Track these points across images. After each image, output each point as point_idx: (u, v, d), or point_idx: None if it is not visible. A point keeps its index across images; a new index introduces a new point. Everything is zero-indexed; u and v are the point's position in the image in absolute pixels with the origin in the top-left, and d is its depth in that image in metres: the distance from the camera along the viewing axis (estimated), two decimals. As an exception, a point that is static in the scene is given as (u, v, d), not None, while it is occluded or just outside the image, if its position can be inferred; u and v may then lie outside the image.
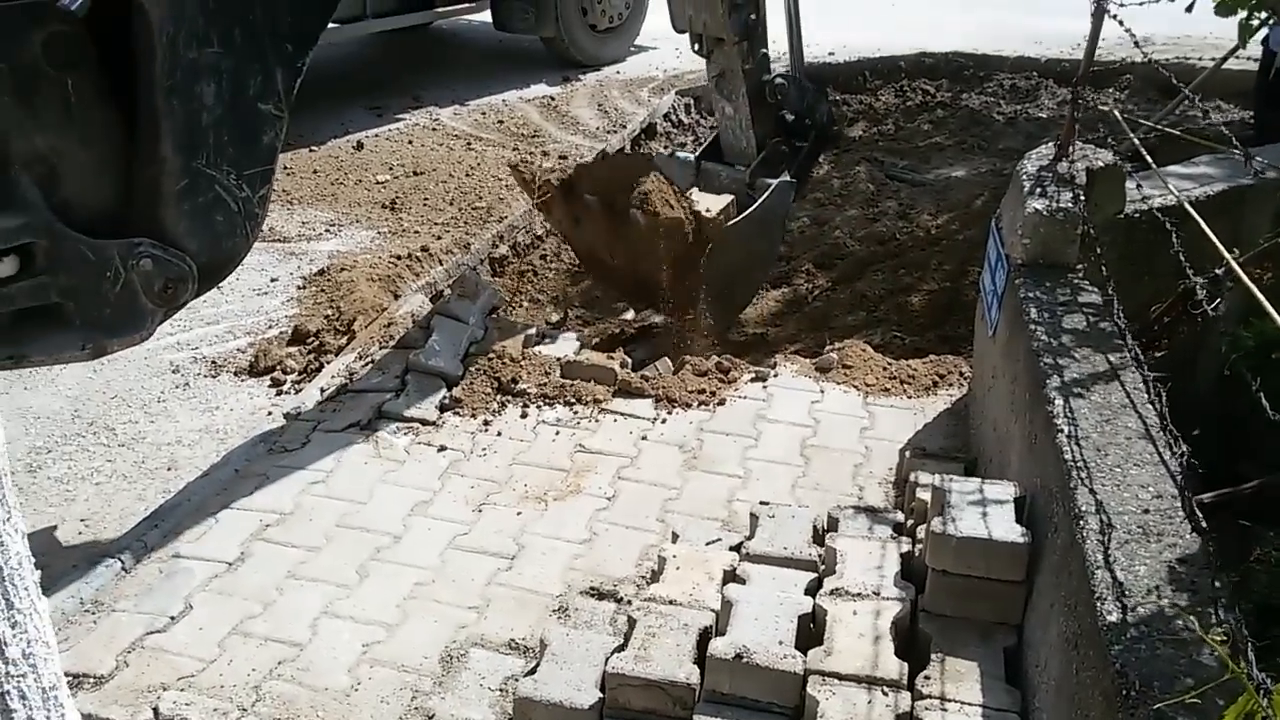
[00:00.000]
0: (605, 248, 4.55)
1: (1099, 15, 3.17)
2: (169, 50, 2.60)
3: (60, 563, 3.19)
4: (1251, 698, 1.43)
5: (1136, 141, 3.08)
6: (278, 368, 4.24)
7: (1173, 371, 2.75)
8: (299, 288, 4.94)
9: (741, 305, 5.14)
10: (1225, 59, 6.04)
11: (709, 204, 4.45)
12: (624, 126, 7.39)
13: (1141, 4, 3.37)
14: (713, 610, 2.61)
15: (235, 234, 2.89)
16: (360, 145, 6.78)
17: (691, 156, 4.86)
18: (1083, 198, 3.19)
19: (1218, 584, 1.90)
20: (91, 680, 2.69)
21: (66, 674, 2.65)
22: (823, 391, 4.04)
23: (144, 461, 3.74)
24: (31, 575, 1.86)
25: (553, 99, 7.91)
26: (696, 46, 4.67)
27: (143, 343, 2.97)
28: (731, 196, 4.56)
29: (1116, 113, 3.43)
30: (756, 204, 4.46)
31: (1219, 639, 1.56)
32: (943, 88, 8.85)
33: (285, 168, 6.41)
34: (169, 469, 3.71)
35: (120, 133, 2.70)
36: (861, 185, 7.02)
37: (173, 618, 2.91)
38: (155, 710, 2.60)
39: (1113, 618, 1.87)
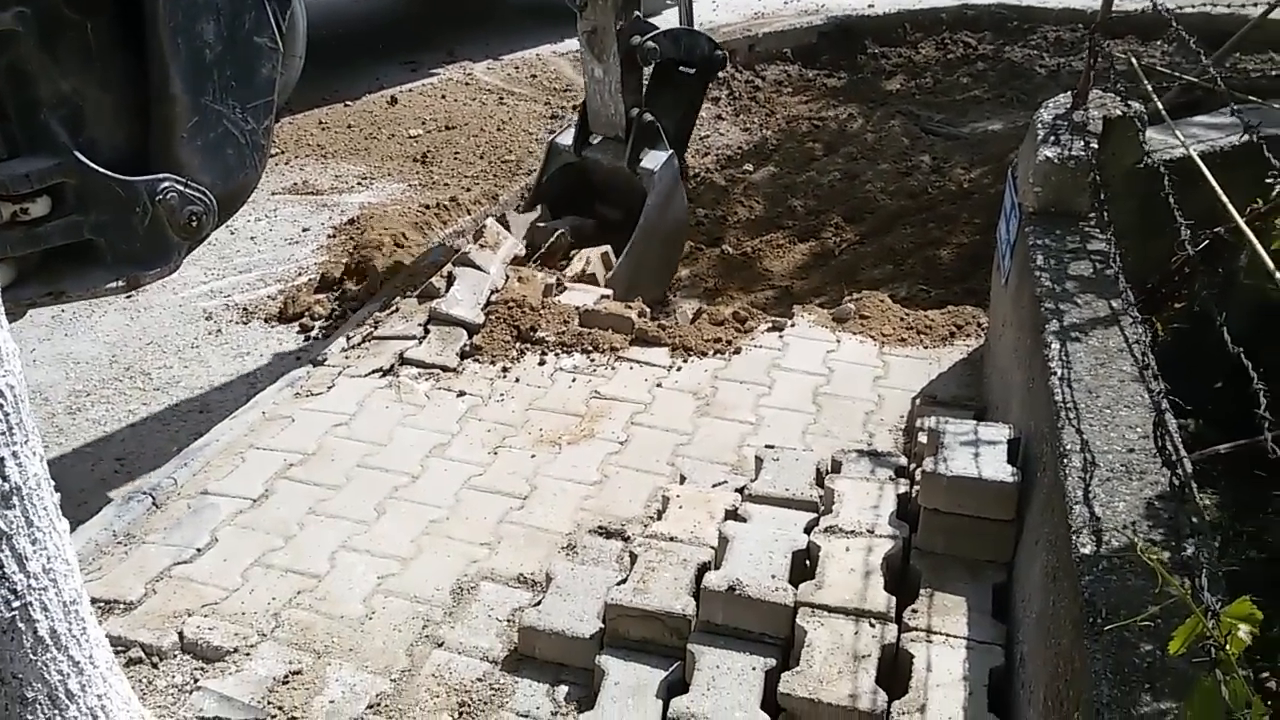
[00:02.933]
0: None
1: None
2: None
3: (97, 499, 3.35)
4: (1199, 620, 1.47)
5: (1150, 90, 3.04)
6: (306, 314, 4.36)
7: (1197, 321, 2.74)
8: (329, 237, 5.05)
9: (673, 273, 5.25)
10: (1271, 9, 5.88)
11: (589, 265, 4.53)
12: (656, 80, 7.37)
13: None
14: (711, 547, 2.69)
15: (245, 165, 3.02)
16: (394, 100, 6.86)
17: (569, 143, 4.86)
18: (1096, 146, 3.16)
19: (1195, 519, 1.92)
20: (122, 606, 2.83)
21: (99, 600, 2.81)
22: (839, 341, 4.06)
23: (177, 404, 3.88)
24: (50, 496, 1.98)
25: (586, 53, 7.91)
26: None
27: (171, 274, 3.11)
28: (604, 248, 4.64)
29: (1134, 61, 3.38)
30: (649, 204, 4.54)
31: (1154, 558, 1.59)
32: (985, 40, 8.71)
33: (320, 122, 6.53)
34: (200, 411, 3.85)
35: (134, 75, 2.81)
36: (895, 139, 6.97)
37: (199, 550, 3.05)
38: (180, 634, 2.73)
39: (1086, 550, 1.91)
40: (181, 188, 2.88)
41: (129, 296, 4.45)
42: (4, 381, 1.81)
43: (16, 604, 1.89)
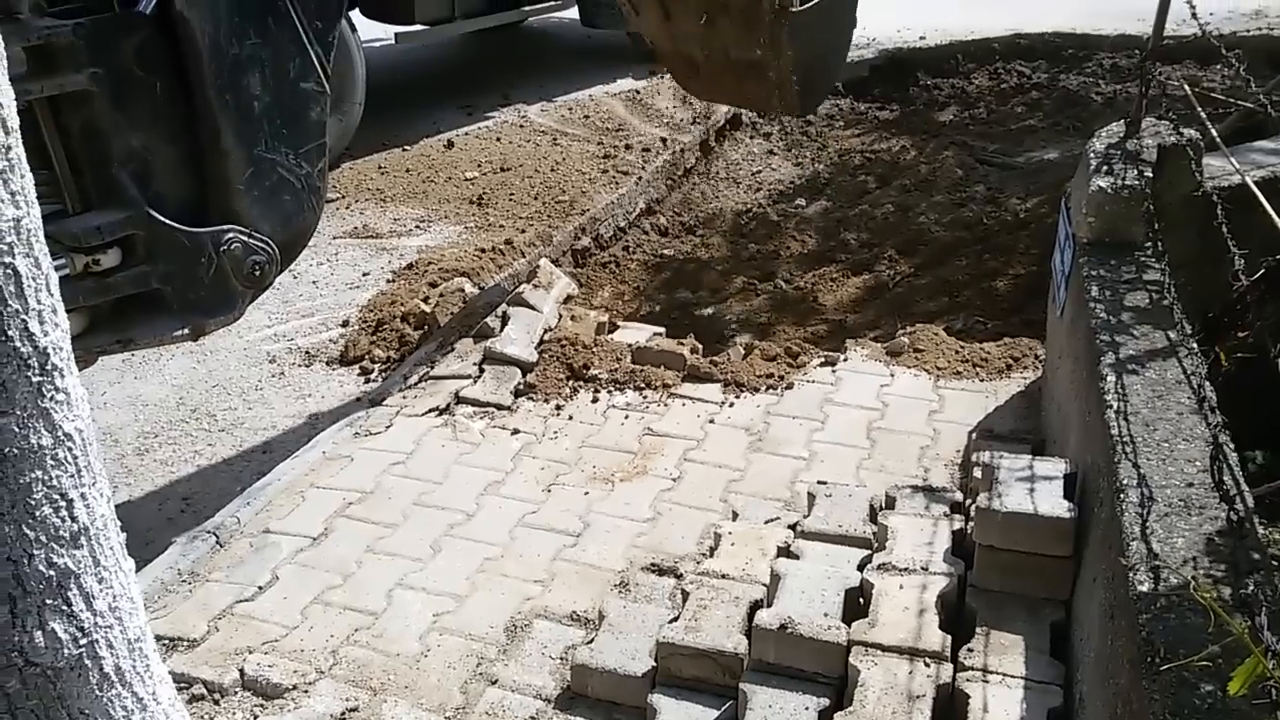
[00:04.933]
0: (695, 40, 4.50)
1: (1165, -8, 3.11)
2: (213, 51, 2.79)
3: (163, 538, 3.43)
4: (1259, 661, 1.43)
5: (1204, 117, 3.00)
6: (366, 357, 4.45)
7: (1263, 351, 2.67)
8: (389, 281, 5.15)
9: (825, 89, 5.04)
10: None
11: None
12: (708, 117, 7.44)
13: (1215, -26, 3.29)
14: (763, 584, 2.68)
15: (303, 210, 3.09)
16: (451, 144, 7.00)
17: None
18: (1150, 175, 3.12)
19: (1255, 556, 1.87)
20: (185, 643, 2.90)
21: (163, 637, 2.88)
22: (892, 375, 4.04)
23: (241, 445, 3.98)
24: (117, 536, 2.04)
25: (638, 92, 8.01)
26: None
27: (235, 322, 3.19)
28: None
29: (1187, 88, 3.34)
30: None
31: (1209, 597, 1.55)
32: (1039, 69, 8.65)
33: (379, 167, 6.68)
34: (264, 452, 3.94)
35: (193, 128, 2.91)
36: (949, 170, 6.94)
37: (260, 587, 3.11)
38: (241, 671, 2.79)
39: (1144, 587, 1.87)
40: (245, 238, 2.97)
41: (195, 341, 4.59)
42: (73, 425, 1.88)
43: (84, 641, 1.94)
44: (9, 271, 1.68)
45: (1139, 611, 1.83)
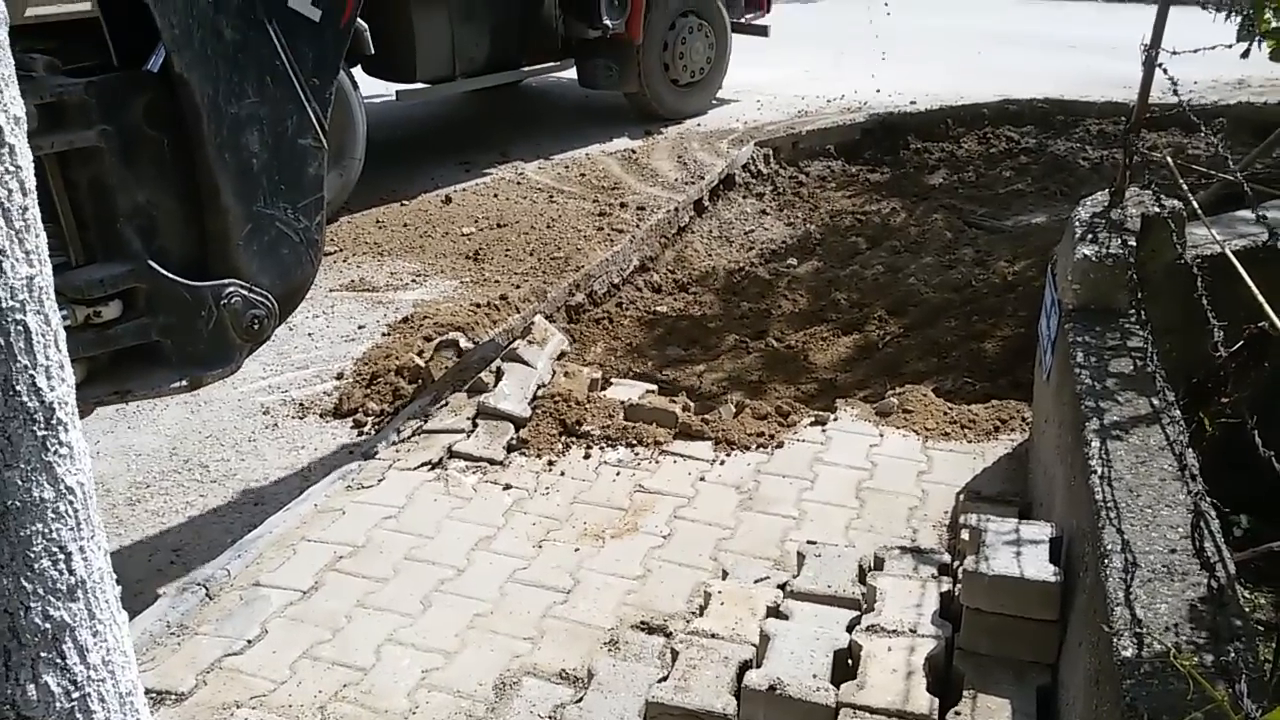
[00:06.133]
0: None
1: (1149, 66, 3.21)
2: (212, 110, 2.86)
3: (152, 589, 3.43)
4: (1238, 727, 1.46)
5: (1186, 187, 3.09)
6: (359, 410, 4.48)
7: (1255, 417, 2.72)
8: (384, 335, 5.20)
9: None
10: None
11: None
12: (702, 178, 7.56)
13: (1196, 51, 3.40)
14: (753, 644, 2.69)
15: (301, 263, 3.14)
16: (448, 199, 7.10)
17: None
18: (1134, 244, 3.20)
19: (1237, 623, 1.90)
20: (173, 696, 2.89)
21: (152, 690, 2.87)
22: (882, 435, 4.08)
23: (233, 496, 3.99)
24: (113, 589, 2.06)
25: (633, 152, 8.15)
26: None
27: (232, 375, 3.23)
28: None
29: (1170, 159, 3.43)
30: None
31: (1188, 665, 1.58)
32: (1027, 134, 8.83)
33: (377, 221, 6.77)
34: (255, 504, 3.95)
35: (195, 184, 2.98)
36: (938, 233, 7.05)
37: (249, 641, 3.11)
38: (229, 726, 2.78)
39: (1128, 653, 1.90)
40: (245, 292, 3.02)
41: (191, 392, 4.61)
42: (75, 479, 1.90)
43: (76, 695, 1.95)
44: (20, 328, 1.72)
45: (1123, 677, 1.85)
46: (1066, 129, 8.88)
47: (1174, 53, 3.26)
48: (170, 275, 2.93)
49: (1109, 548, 2.16)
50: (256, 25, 2.94)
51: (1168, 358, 3.00)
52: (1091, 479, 2.40)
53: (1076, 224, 3.38)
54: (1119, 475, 2.40)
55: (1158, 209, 3.35)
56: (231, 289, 3.01)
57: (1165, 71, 3.13)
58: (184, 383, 3.11)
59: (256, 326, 3.11)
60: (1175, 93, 3.14)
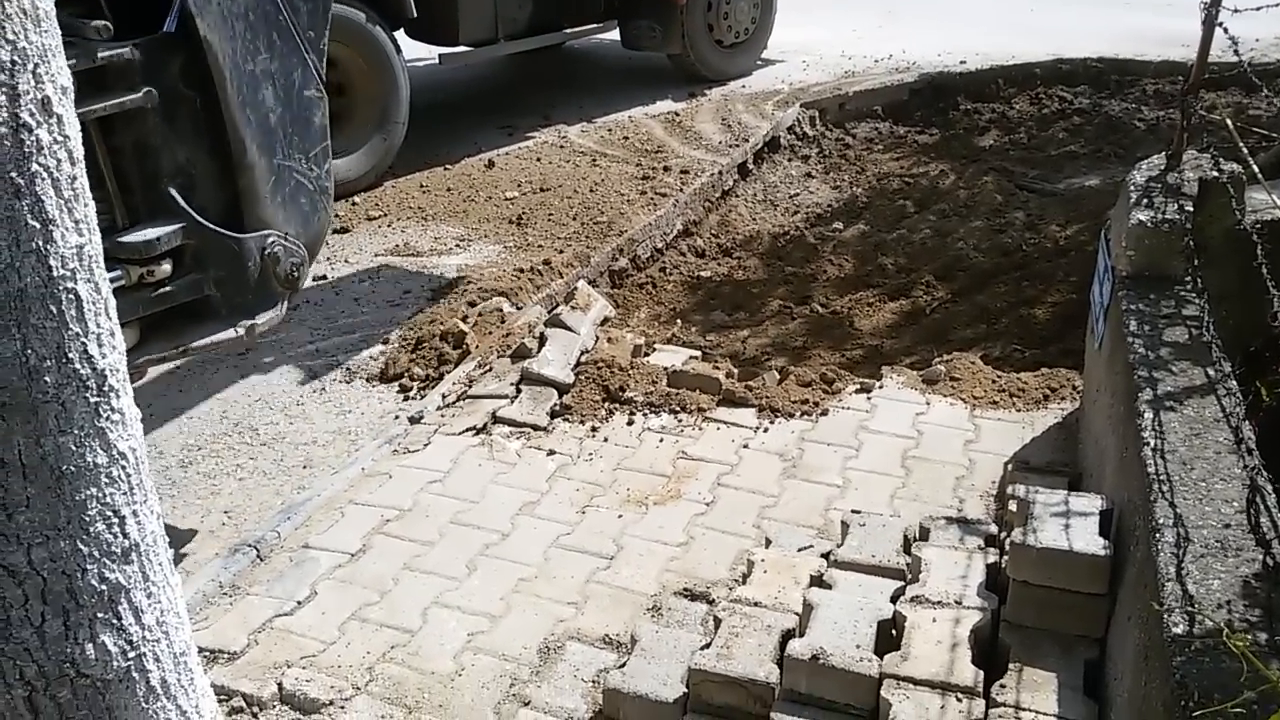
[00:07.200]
0: None
1: (1209, 24, 3.10)
2: (234, 70, 2.92)
3: (205, 550, 3.50)
4: (1293, 708, 1.43)
5: (1246, 151, 2.99)
6: (405, 375, 4.51)
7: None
8: (428, 299, 5.22)
9: None
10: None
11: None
12: (746, 140, 7.47)
13: (1259, 10, 3.28)
14: (796, 613, 2.69)
15: (317, 210, 3.25)
16: (491, 164, 7.09)
17: None
18: (1191, 209, 3.11)
19: (1292, 599, 1.86)
20: (225, 655, 2.95)
21: (205, 649, 2.94)
22: (928, 403, 4.03)
23: (282, 459, 4.04)
24: (166, 552, 2.11)
25: (677, 114, 8.07)
26: None
27: (280, 320, 3.31)
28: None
29: (1229, 121, 3.33)
30: None
31: (1241, 644, 1.55)
32: (1081, 94, 8.60)
33: (421, 186, 6.78)
34: (304, 467, 4.00)
35: (224, 141, 3.05)
36: (988, 196, 6.92)
37: (299, 602, 3.16)
38: (279, 685, 2.83)
39: (1179, 630, 1.87)
40: (283, 241, 3.10)
41: (241, 354, 4.67)
42: (127, 444, 1.94)
43: (132, 654, 2.00)
44: (71, 296, 1.75)
45: (1173, 654, 1.82)
46: (1121, 89, 8.63)
47: (1235, 11, 3.15)
48: (219, 229, 3.00)
49: (1161, 522, 2.12)
50: None
51: (1224, 326, 2.92)
52: (1144, 451, 2.35)
53: (1131, 188, 3.29)
54: (1172, 447, 2.35)
55: (1216, 173, 3.25)
56: (272, 238, 3.10)
57: (1225, 30, 3.02)
58: (240, 333, 3.18)
59: (296, 274, 3.20)
60: (1236, 52, 3.03)
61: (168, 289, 3.01)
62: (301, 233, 3.22)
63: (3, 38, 1.49)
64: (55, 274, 1.70)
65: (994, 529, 2.97)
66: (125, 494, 1.94)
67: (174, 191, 2.95)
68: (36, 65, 1.57)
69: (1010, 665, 2.40)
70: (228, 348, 3.39)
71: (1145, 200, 3.19)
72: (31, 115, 1.59)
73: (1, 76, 1.52)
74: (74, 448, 1.82)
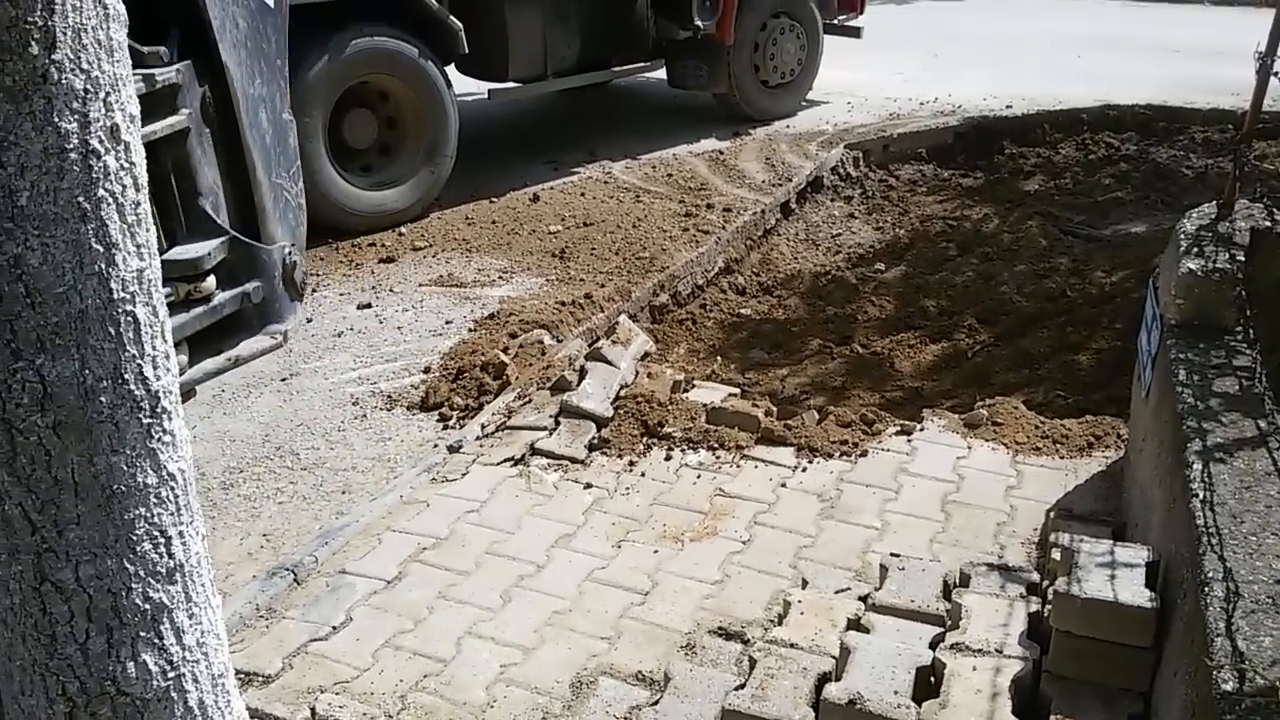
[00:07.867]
0: None
1: (1264, 73, 3.09)
2: (242, 94, 3.04)
3: (243, 572, 3.53)
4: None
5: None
6: (445, 404, 4.54)
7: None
8: (470, 330, 5.27)
9: None
10: None
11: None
12: (789, 179, 7.50)
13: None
14: (832, 656, 2.65)
15: (299, 225, 3.41)
16: (536, 197, 7.16)
17: None
18: (1242, 259, 3.08)
19: (1348, 661, 1.82)
20: (260, 679, 2.97)
21: (240, 672, 2.95)
22: (970, 448, 3.99)
23: (322, 484, 4.08)
24: (209, 573, 2.13)
25: (721, 153, 8.12)
26: None
27: (297, 329, 3.39)
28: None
29: (1283, 170, 3.29)
30: None
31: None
32: (1128, 140, 8.56)
33: (466, 218, 6.86)
34: (343, 492, 4.03)
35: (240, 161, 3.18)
36: (1033, 240, 6.88)
37: (334, 627, 3.18)
38: (313, 710, 2.84)
39: (1228, 687, 1.82)
40: (294, 251, 3.21)
41: (284, 379, 4.73)
42: (176, 466, 1.97)
43: (172, 674, 2.02)
44: (129, 319, 1.78)
45: (1223, 712, 1.78)
46: (1170, 136, 8.58)
47: (1292, 60, 3.13)
48: (254, 243, 3.10)
49: (1210, 575, 2.08)
50: (252, 13, 3.13)
51: (1276, 378, 2.88)
52: (1192, 502, 2.31)
53: (1181, 236, 3.26)
54: (1222, 500, 2.31)
55: (1269, 223, 3.22)
56: (289, 249, 3.20)
57: (1281, 79, 3.00)
58: (277, 339, 3.26)
59: (304, 281, 3.30)
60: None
61: (216, 303, 3.09)
62: (295, 245, 3.35)
63: (78, 67, 1.54)
64: (115, 296, 1.74)
65: (1036, 577, 2.93)
66: (173, 515, 1.97)
67: (210, 209, 3.04)
68: (108, 94, 1.62)
69: (1051, 717, 2.35)
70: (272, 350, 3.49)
71: (1196, 249, 3.16)
72: (100, 142, 1.63)
73: (75, 104, 1.56)
74: (125, 468, 1.85)
